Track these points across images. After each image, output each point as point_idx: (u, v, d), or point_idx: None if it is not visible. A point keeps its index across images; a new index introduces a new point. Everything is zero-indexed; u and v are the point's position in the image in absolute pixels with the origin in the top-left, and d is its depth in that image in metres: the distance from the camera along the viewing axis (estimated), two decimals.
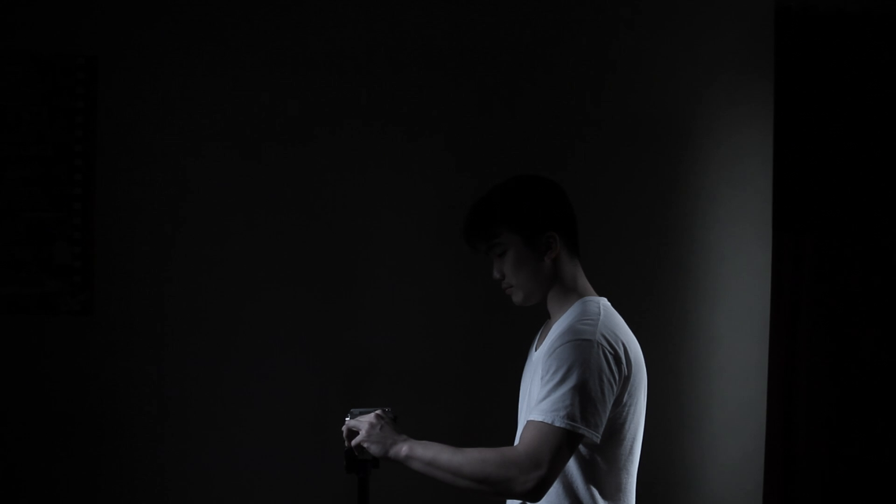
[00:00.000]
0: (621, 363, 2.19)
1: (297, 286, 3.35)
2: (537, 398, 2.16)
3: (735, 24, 3.56)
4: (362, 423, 2.31)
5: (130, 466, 3.27)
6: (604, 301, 2.33)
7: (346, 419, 2.39)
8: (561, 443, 2.10)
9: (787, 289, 3.60)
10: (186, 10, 3.31)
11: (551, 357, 2.17)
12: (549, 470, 2.10)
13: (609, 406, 2.16)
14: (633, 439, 2.28)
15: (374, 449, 2.30)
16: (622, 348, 2.21)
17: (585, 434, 2.11)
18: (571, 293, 2.33)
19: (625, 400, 2.21)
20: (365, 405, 2.63)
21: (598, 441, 2.15)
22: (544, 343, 2.31)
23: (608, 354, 2.16)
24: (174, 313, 3.30)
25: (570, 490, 2.22)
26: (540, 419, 2.12)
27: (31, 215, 3.22)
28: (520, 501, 2.19)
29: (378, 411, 2.39)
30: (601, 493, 2.22)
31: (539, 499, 2.14)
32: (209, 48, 3.31)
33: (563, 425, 2.09)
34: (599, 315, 2.25)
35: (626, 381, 2.21)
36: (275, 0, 3.36)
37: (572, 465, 2.21)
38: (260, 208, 3.34)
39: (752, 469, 3.54)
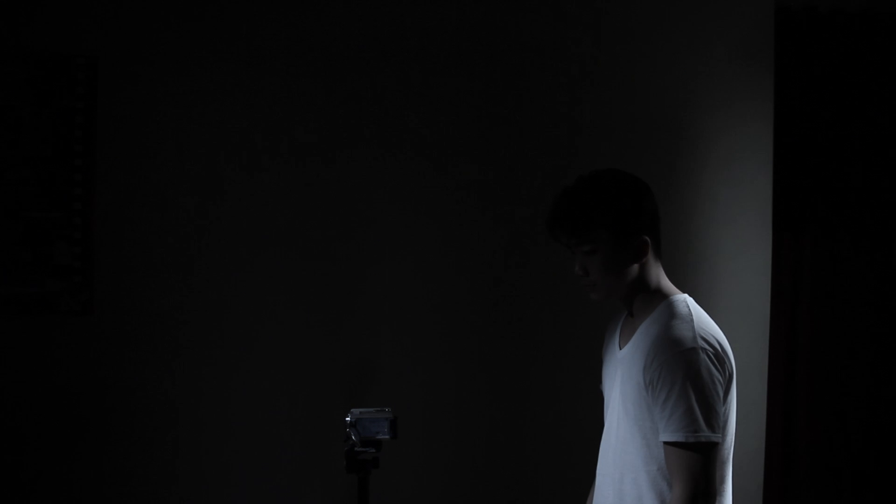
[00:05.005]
0: (724, 361, 2.26)
1: (298, 286, 3.35)
2: (663, 415, 2.21)
3: (735, 24, 3.56)
4: None
5: (130, 466, 3.27)
6: (689, 299, 2.35)
7: (347, 419, 2.40)
8: (704, 456, 2.18)
9: (787, 289, 3.60)
10: (186, 11, 3.30)
11: (661, 371, 2.20)
12: (708, 485, 2.19)
13: (723, 405, 2.25)
14: (733, 432, 2.35)
15: None
16: (720, 346, 2.26)
17: (717, 441, 2.20)
18: (656, 293, 2.33)
19: (728, 396, 2.29)
20: (365, 405, 2.64)
21: (721, 442, 2.23)
22: (632, 343, 2.33)
23: (711, 357, 2.22)
24: (174, 313, 3.30)
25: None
26: (674, 439, 2.19)
27: (31, 215, 3.22)
28: None
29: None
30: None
31: (716, 495, 2.24)
32: (209, 48, 3.31)
33: (699, 440, 2.17)
34: (692, 316, 2.28)
35: (729, 377, 2.29)
36: (278, 3, 3.36)
37: None
38: (262, 207, 3.34)
39: (752, 469, 3.54)
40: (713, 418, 2.19)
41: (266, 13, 3.35)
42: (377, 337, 3.40)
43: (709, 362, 2.21)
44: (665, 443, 2.21)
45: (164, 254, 3.29)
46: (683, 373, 2.18)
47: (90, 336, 3.26)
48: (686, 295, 2.35)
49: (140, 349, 3.28)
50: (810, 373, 3.61)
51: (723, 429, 2.25)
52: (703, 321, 2.28)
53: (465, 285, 3.43)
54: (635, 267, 2.31)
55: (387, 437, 2.51)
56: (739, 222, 3.56)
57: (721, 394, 2.24)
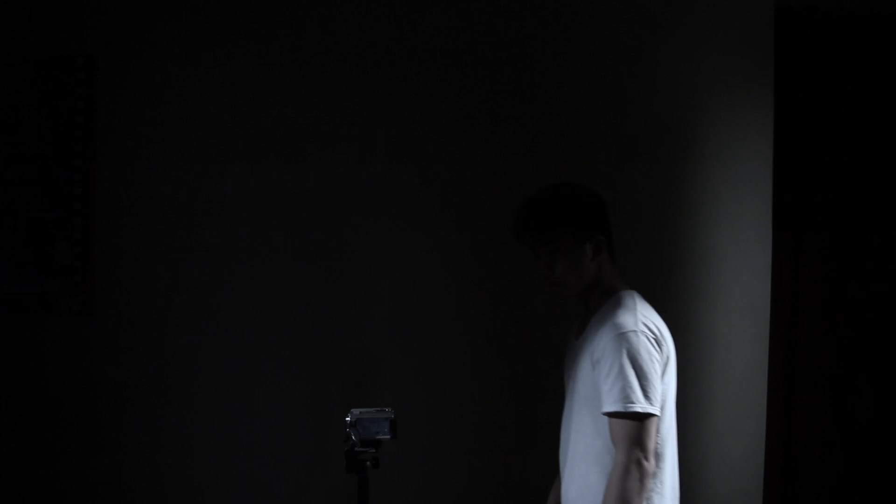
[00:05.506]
0: (661, 345, 2.54)
1: (298, 286, 3.35)
2: (605, 389, 2.48)
3: (735, 24, 3.56)
4: None
5: (130, 466, 3.27)
6: (636, 294, 2.64)
7: (347, 419, 2.40)
8: (642, 425, 2.44)
9: (787, 289, 3.60)
10: (187, 11, 3.30)
11: (606, 349, 2.50)
12: (645, 453, 2.45)
13: (660, 383, 2.51)
14: (671, 413, 2.60)
15: None
16: (658, 332, 2.55)
17: (654, 412, 2.46)
18: (609, 290, 2.63)
19: (665, 377, 2.55)
20: (365, 405, 2.64)
21: (659, 415, 2.48)
22: (586, 332, 2.61)
23: (651, 339, 2.50)
24: (174, 313, 3.30)
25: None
26: (614, 409, 2.46)
27: (31, 215, 3.22)
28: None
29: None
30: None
31: (654, 465, 2.50)
32: (209, 48, 3.31)
33: (636, 409, 2.44)
34: (636, 306, 2.57)
35: (667, 360, 2.56)
36: (277, 1, 3.36)
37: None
38: (261, 208, 3.34)
39: (752, 469, 3.54)
40: (650, 392, 2.46)
41: (266, 12, 3.35)
42: (377, 337, 3.39)
43: (648, 343, 2.49)
44: (607, 414, 2.47)
45: (164, 254, 3.29)
46: (625, 351, 2.47)
47: (90, 336, 3.26)
48: (634, 291, 2.64)
49: (140, 349, 3.28)
50: (810, 373, 3.61)
51: (661, 406, 2.50)
52: (646, 311, 2.58)
53: (466, 285, 3.43)
54: (593, 266, 2.62)
55: (387, 437, 2.51)
56: (739, 222, 3.55)
57: (659, 372, 2.50)
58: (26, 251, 3.21)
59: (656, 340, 2.52)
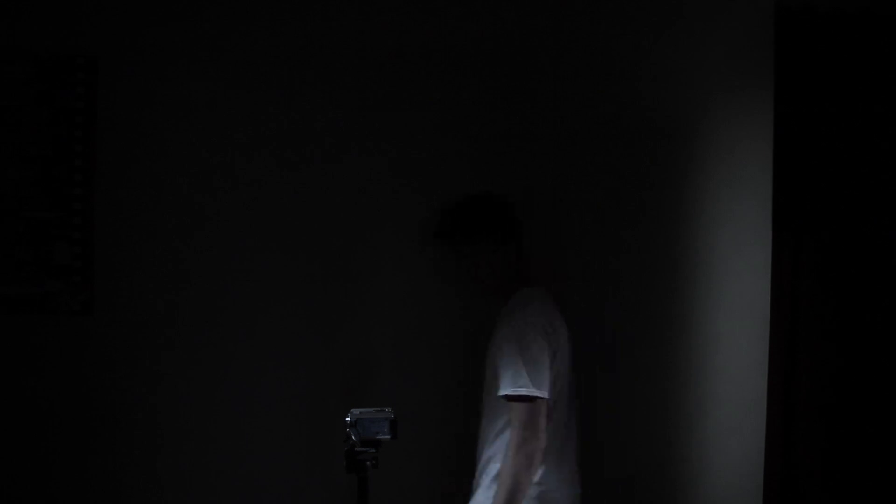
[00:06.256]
0: (550, 337, 2.91)
1: (298, 286, 3.35)
2: (501, 374, 2.86)
3: (735, 24, 3.56)
4: None
5: (130, 466, 3.27)
6: (537, 291, 3.03)
7: (347, 419, 2.40)
8: (531, 407, 2.80)
9: (787, 289, 3.60)
10: (187, 11, 3.30)
11: (503, 339, 2.88)
12: (534, 433, 2.81)
13: (549, 370, 2.87)
14: (565, 397, 2.97)
15: None
16: (549, 325, 2.93)
17: (540, 395, 2.81)
18: (518, 286, 3.03)
19: (554, 364, 2.91)
20: (365, 405, 2.64)
21: (548, 397, 2.85)
22: (497, 325, 2.99)
23: (541, 331, 2.88)
24: (174, 313, 3.30)
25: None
26: (506, 392, 2.84)
27: (31, 215, 3.22)
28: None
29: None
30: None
31: (544, 442, 2.85)
32: (210, 48, 3.31)
33: (523, 392, 2.81)
34: (532, 301, 2.96)
35: (556, 351, 2.92)
36: (278, 2, 3.36)
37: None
38: (261, 209, 3.34)
39: (752, 469, 3.54)
40: (539, 378, 2.82)
41: (266, 13, 3.35)
42: (377, 337, 3.39)
43: (537, 335, 2.86)
44: (502, 397, 2.84)
45: (165, 254, 3.29)
46: (517, 340, 2.84)
47: (90, 336, 3.26)
48: (539, 289, 3.03)
49: (140, 349, 3.28)
50: (810, 373, 3.61)
51: (553, 392, 2.87)
52: (540, 306, 2.95)
53: (467, 286, 3.42)
54: (507, 266, 3.04)
55: (387, 437, 2.51)
56: (739, 222, 3.55)
57: (548, 360, 2.87)
58: (26, 251, 3.21)
59: (546, 332, 2.89)
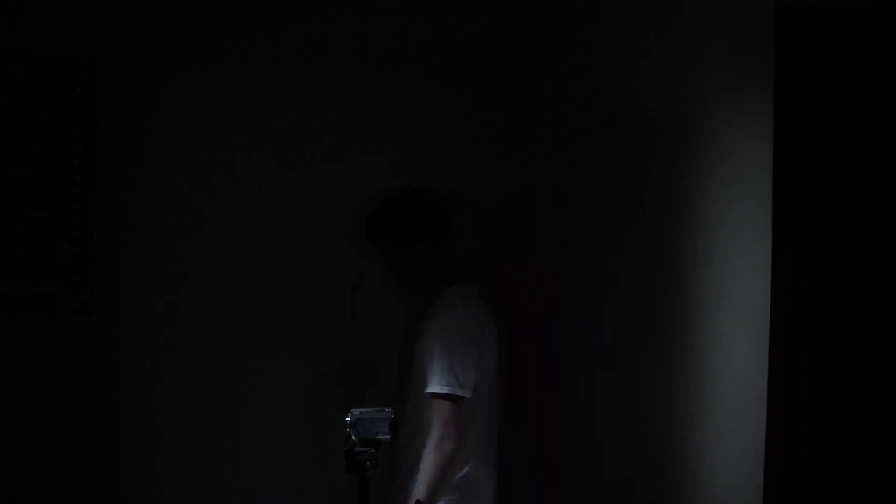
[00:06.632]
0: (478, 337, 2.94)
1: (298, 286, 3.35)
2: (427, 373, 2.90)
3: (735, 24, 3.56)
4: None
5: (130, 466, 3.27)
6: (467, 288, 3.03)
7: (347, 419, 2.40)
8: (454, 406, 2.84)
9: (787, 289, 3.60)
10: (187, 11, 3.31)
11: (431, 339, 2.90)
12: (455, 431, 2.86)
13: (475, 370, 2.90)
14: (491, 397, 3.01)
15: None
16: (478, 326, 2.95)
17: (463, 395, 2.86)
18: (445, 286, 3.02)
19: (482, 363, 2.94)
20: (365, 405, 2.64)
21: (471, 397, 2.88)
22: (426, 324, 3.00)
23: (466, 331, 2.90)
24: (174, 313, 3.30)
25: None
26: (431, 390, 2.88)
27: (31, 215, 3.22)
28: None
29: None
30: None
31: (461, 442, 2.90)
32: (210, 48, 3.31)
33: (446, 391, 2.85)
34: (460, 302, 2.96)
35: (481, 351, 2.94)
36: (278, 2, 3.36)
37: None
38: (261, 209, 3.34)
39: (752, 469, 3.54)
40: (463, 378, 2.86)
41: (266, 13, 3.35)
42: (377, 336, 3.39)
43: (466, 335, 2.89)
44: (427, 394, 2.88)
45: (165, 254, 3.30)
46: (443, 341, 2.87)
47: (90, 336, 3.26)
48: (469, 285, 3.04)
49: (140, 349, 3.28)
50: (810, 373, 3.60)
51: (479, 391, 2.90)
52: (468, 306, 2.96)
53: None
54: (433, 264, 3.01)
55: (387, 437, 2.51)
56: (739, 222, 3.55)
57: (473, 360, 2.90)
58: (26, 251, 3.21)
59: (474, 333, 2.93)
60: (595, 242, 3.49)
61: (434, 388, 2.89)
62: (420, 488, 2.89)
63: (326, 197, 3.37)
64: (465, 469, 2.96)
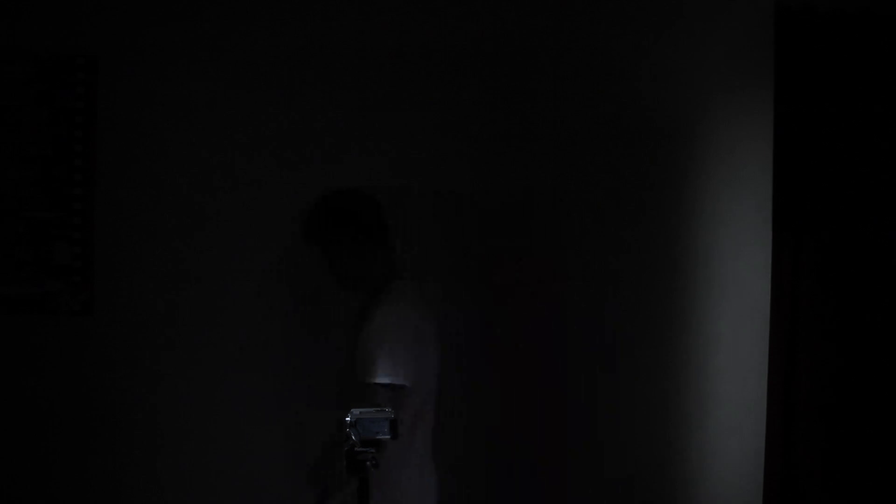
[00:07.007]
0: (415, 330, 2.97)
1: (298, 285, 3.35)
2: (366, 364, 2.90)
3: (735, 24, 3.56)
4: None
5: (130, 466, 3.27)
6: (408, 284, 3.06)
7: (347, 419, 2.40)
8: (389, 395, 2.84)
9: (787, 289, 3.60)
10: (187, 11, 3.30)
11: (369, 333, 2.93)
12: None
13: (412, 360, 2.92)
14: (428, 388, 3.00)
15: None
16: (415, 320, 2.98)
17: (395, 382, 2.88)
18: (386, 281, 3.03)
19: (419, 356, 2.96)
20: (365, 405, 2.64)
21: (409, 385, 2.91)
22: (366, 319, 2.99)
23: (403, 325, 2.94)
24: (174, 313, 3.30)
25: None
26: (366, 380, 2.89)
27: (31, 215, 3.22)
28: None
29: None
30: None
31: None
32: (210, 48, 3.31)
33: (381, 381, 2.86)
34: (395, 298, 2.98)
35: (419, 342, 2.97)
36: (278, 2, 3.36)
37: None
38: (261, 209, 3.34)
39: (752, 469, 3.54)
40: (398, 367, 2.88)
41: (266, 13, 3.35)
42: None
43: (399, 328, 2.93)
44: (365, 384, 2.89)
45: (165, 254, 3.29)
46: (378, 334, 2.90)
47: (90, 336, 3.26)
48: (411, 283, 3.06)
49: (140, 349, 3.28)
50: (810, 373, 3.61)
51: (417, 384, 2.92)
52: (401, 300, 2.98)
53: (467, 283, 3.43)
54: (368, 262, 3.03)
55: (387, 437, 2.51)
56: (739, 222, 3.56)
57: (410, 351, 2.92)
58: (26, 251, 3.21)
59: (409, 326, 2.96)
60: (595, 242, 3.49)
61: (366, 377, 2.91)
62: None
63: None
64: (403, 470, 2.95)
